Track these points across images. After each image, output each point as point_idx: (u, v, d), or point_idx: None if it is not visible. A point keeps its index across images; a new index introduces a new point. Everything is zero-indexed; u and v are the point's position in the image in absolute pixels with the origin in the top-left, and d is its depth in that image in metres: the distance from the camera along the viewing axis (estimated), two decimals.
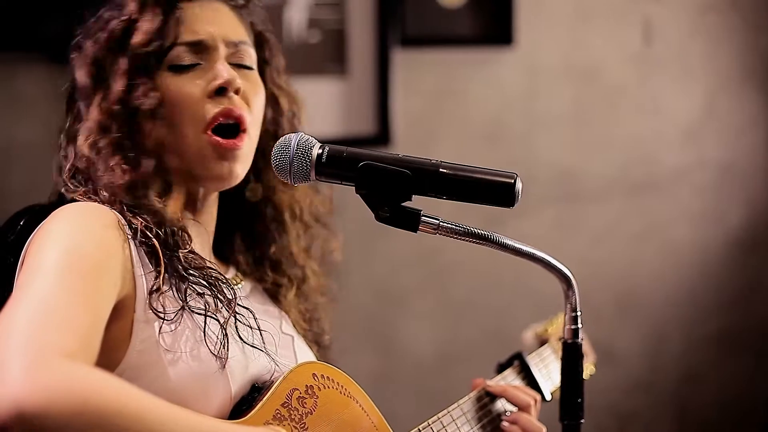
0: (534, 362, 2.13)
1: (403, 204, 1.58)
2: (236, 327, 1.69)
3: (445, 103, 3.49)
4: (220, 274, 1.73)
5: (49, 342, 1.33)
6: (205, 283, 1.68)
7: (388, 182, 1.56)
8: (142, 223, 1.64)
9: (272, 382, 1.68)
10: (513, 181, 1.53)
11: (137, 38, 1.75)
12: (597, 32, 3.63)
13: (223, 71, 1.77)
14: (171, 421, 1.36)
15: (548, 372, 2.15)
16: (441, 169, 1.56)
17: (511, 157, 3.54)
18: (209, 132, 1.76)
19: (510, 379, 2.06)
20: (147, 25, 1.75)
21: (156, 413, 1.34)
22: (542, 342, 2.25)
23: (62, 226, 1.58)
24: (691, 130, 3.74)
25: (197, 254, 1.73)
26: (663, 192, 3.73)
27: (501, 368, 2.11)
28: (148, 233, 1.63)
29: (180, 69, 1.77)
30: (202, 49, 1.79)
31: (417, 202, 1.59)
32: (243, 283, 1.95)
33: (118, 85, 1.73)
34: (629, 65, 3.68)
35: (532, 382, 2.09)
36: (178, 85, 1.76)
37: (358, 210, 1.67)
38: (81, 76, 1.77)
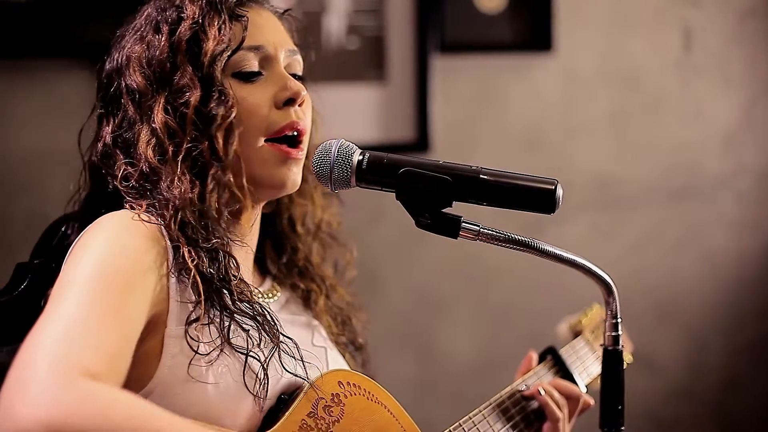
0: (567, 355, 2.12)
1: (443, 210, 1.58)
2: (280, 357, 1.68)
3: (483, 110, 3.49)
4: (264, 308, 1.71)
5: (75, 361, 1.34)
6: (251, 316, 1.67)
7: (429, 189, 1.56)
8: (191, 258, 1.60)
9: (298, 394, 1.68)
10: (554, 187, 1.53)
11: (208, 44, 1.71)
12: (636, 38, 3.62)
13: (292, 83, 1.77)
14: None
15: (583, 364, 2.14)
16: (482, 176, 1.56)
17: (550, 163, 3.53)
18: (273, 141, 1.75)
19: (542, 374, 2.06)
20: (215, 29, 1.72)
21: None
22: (576, 334, 2.24)
23: (100, 238, 1.57)
24: (731, 136, 3.72)
25: (246, 284, 1.72)
26: (702, 199, 3.71)
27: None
28: (192, 266, 1.60)
29: (244, 77, 1.75)
30: (263, 56, 1.78)
31: (454, 207, 1.59)
32: (279, 294, 1.95)
33: (191, 91, 1.69)
34: (669, 72, 3.66)
35: (566, 376, 2.08)
36: (243, 94, 1.73)
37: (397, 217, 1.67)
38: (136, 78, 1.73)
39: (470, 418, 1.87)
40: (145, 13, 1.80)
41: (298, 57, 1.86)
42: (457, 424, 1.85)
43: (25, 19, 2.85)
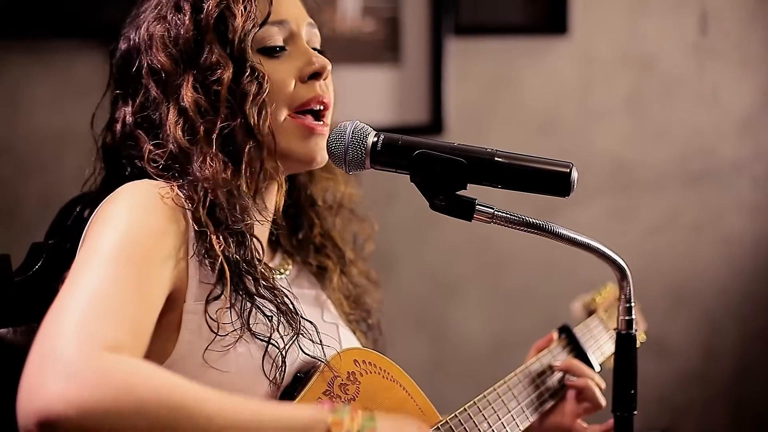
0: (581, 333, 2.12)
1: (458, 193, 1.58)
2: (298, 341, 1.68)
3: (498, 93, 3.48)
4: (286, 294, 1.71)
5: (98, 333, 1.34)
6: (273, 302, 1.67)
7: (444, 171, 1.56)
8: (219, 244, 1.59)
9: (314, 372, 1.68)
10: (569, 170, 1.53)
11: (237, 21, 1.70)
12: (653, 21, 3.60)
13: (318, 57, 1.78)
14: (216, 409, 1.34)
15: (596, 343, 2.13)
16: (497, 158, 1.55)
17: (566, 146, 3.52)
18: (297, 114, 1.75)
19: (556, 353, 2.05)
20: (242, 6, 1.70)
21: (201, 403, 1.34)
22: (590, 312, 2.24)
23: (122, 209, 1.57)
24: (748, 120, 3.70)
25: (270, 268, 1.72)
26: (719, 183, 3.69)
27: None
28: (219, 252, 1.59)
29: (269, 52, 1.75)
30: (287, 30, 1.78)
31: (469, 190, 1.58)
32: (290, 268, 1.95)
33: (224, 69, 1.68)
34: (685, 55, 3.64)
35: (580, 354, 2.08)
36: (269, 69, 1.72)
37: (411, 199, 1.67)
38: (160, 57, 1.70)
39: (485, 397, 1.86)
40: None
41: (317, 31, 1.86)
42: (472, 402, 1.84)
43: (38, 0, 2.84)
